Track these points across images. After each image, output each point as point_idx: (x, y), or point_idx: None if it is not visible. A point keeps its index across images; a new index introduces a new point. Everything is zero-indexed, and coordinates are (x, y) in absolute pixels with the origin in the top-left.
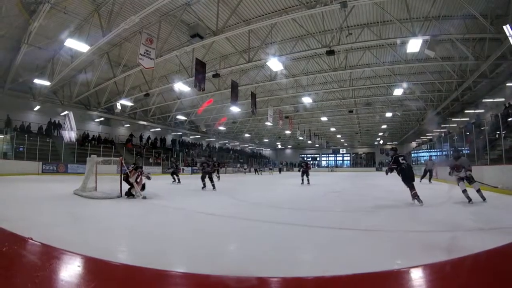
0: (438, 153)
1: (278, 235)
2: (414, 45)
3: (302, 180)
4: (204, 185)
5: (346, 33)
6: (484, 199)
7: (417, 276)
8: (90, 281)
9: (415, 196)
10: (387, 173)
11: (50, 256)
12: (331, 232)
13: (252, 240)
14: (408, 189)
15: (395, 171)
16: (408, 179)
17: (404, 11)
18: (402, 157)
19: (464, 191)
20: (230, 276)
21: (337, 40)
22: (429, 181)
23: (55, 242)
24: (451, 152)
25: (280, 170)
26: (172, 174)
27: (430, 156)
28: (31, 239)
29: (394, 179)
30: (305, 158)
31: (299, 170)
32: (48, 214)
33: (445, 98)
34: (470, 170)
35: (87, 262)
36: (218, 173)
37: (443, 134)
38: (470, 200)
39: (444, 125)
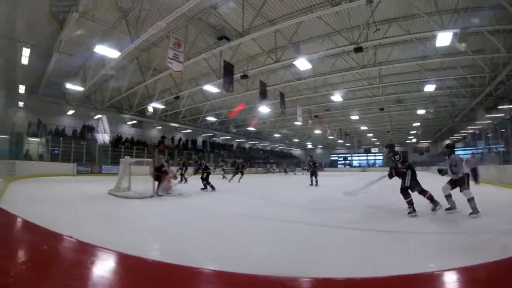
0: (475, 150)
1: (305, 236)
2: (443, 38)
3: (311, 181)
4: (212, 187)
5: (374, 29)
6: (474, 212)
7: (450, 279)
8: (127, 277)
9: (410, 203)
10: (390, 177)
11: (90, 253)
12: (361, 234)
13: (280, 240)
14: (407, 194)
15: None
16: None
17: (431, 3)
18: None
19: (448, 196)
20: (257, 275)
21: (365, 37)
22: (475, 181)
23: (90, 240)
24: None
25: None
26: (181, 174)
27: (472, 153)
28: (71, 237)
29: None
30: (313, 157)
31: (308, 171)
32: (84, 213)
33: (478, 93)
34: (453, 172)
35: (124, 259)
36: (242, 174)
37: (477, 131)
38: (451, 207)
39: (478, 122)
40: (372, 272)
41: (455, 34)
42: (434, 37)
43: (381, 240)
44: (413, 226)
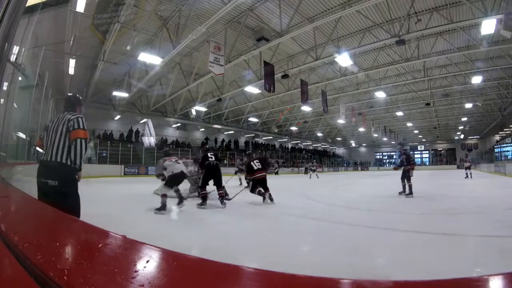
0: None
1: (353, 237)
2: (487, 26)
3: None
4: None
5: (415, 19)
6: None
7: (496, 285)
8: (186, 277)
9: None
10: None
11: (145, 253)
12: (408, 236)
13: (327, 241)
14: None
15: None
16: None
17: None
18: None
19: None
20: (296, 275)
21: (406, 28)
22: None
23: (142, 238)
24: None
25: None
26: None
27: None
28: (125, 236)
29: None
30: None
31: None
32: (130, 212)
33: None
34: None
35: (180, 259)
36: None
37: None
38: None
39: None
40: (425, 276)
41: (500, 21)
42: (478, 24)
43: (440, 243)
44: (475, 229)
